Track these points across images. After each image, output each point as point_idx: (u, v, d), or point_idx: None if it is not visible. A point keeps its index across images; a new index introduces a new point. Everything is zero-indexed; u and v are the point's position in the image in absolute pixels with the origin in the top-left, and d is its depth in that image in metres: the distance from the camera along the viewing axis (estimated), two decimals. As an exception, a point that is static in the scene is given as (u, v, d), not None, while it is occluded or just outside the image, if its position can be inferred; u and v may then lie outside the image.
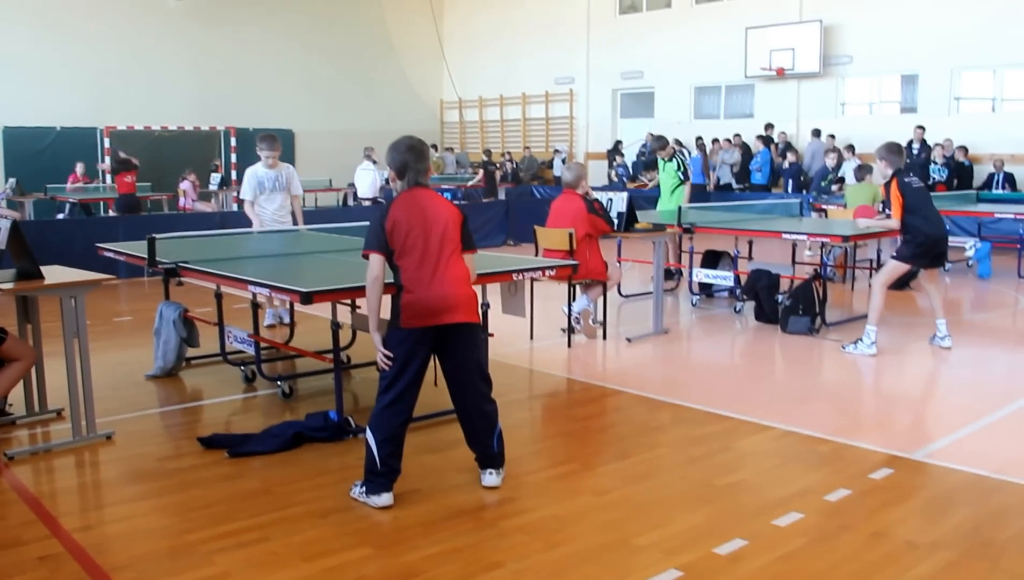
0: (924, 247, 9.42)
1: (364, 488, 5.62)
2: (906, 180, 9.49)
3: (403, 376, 5.57)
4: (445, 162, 30.74)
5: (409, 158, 5.68)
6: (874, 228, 10.24)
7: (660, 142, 14.78)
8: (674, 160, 14.29)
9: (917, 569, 4.67)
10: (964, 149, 20.94)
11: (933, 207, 9.61)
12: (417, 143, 5.78)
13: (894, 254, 9.81)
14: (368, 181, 22.01)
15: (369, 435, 5.58)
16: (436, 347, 5.68)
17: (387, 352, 5.56)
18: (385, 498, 5.55)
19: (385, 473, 5.57)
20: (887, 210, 9.69)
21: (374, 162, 22.44)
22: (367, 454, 5.56)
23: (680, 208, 11.84)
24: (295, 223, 10.81)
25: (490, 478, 5.88)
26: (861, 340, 9.47)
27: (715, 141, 25.44)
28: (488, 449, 5.88)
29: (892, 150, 9.64)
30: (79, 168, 24.06)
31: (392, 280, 5.68)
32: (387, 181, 24.89)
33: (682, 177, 14.21)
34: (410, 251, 5.56)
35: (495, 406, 5.90)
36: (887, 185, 9.52)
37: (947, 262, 9.98)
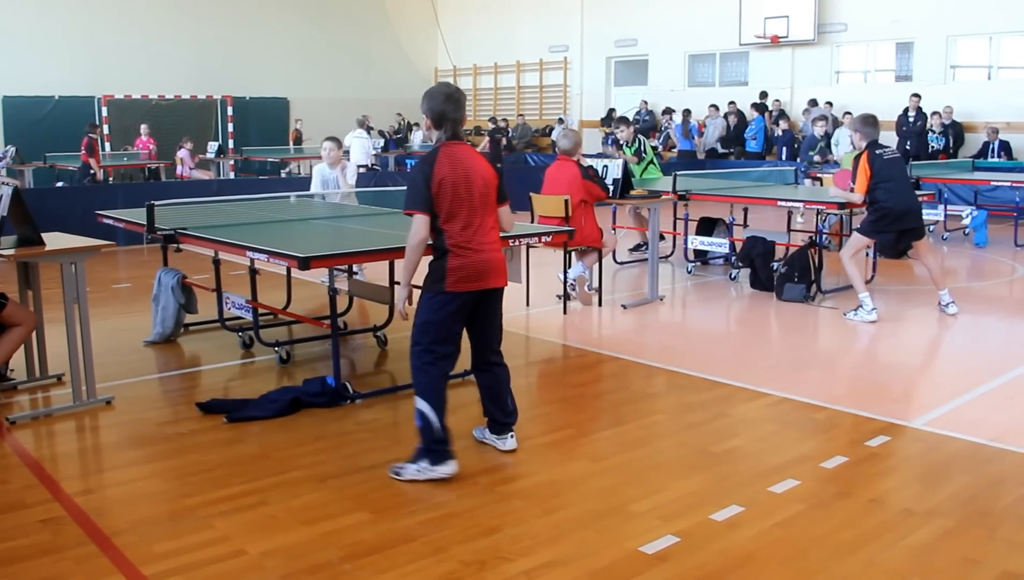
0: (885, 220, 9.46)
1: (427, 461, 5.44)
2: (878, 152, 9.49)
3: (448, 340, 5.51)
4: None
5: (448, 108, 5.45)
6: (839, 198, 10.24)
7: (622, 123, 14.75)
8: (634, 145, 14.27)
9: (914, 537, 4.70)
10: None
11: (904, 180, 9.65)
12: (454, 91, 5.56)
13: (857, 226, 9.89)
14: (361, 148, 22.04)
15: (422, 404, 5.43)
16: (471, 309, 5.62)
17: (404, 311, 5.61)
18: (452, 465, 5.45)
19: (446, 438, 5.46)
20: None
21: (368, 130, 22.46)
22: (423, 426, 5.42)
23: (675, 175, 11.85)
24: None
25: (511, 441, 5.93)
26: (861, 307, 9.52)
27: (712, 107, 25.35)
28: (506, 406, 5.91)
29: (867, 122, 9.67)
30: (144, 129, 23.89)
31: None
32: (383, 148, 24.97)
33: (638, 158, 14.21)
34: (457, 213, 5.40)
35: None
36: (857, 157, 9.58)
37: (927, 229, 10.02)
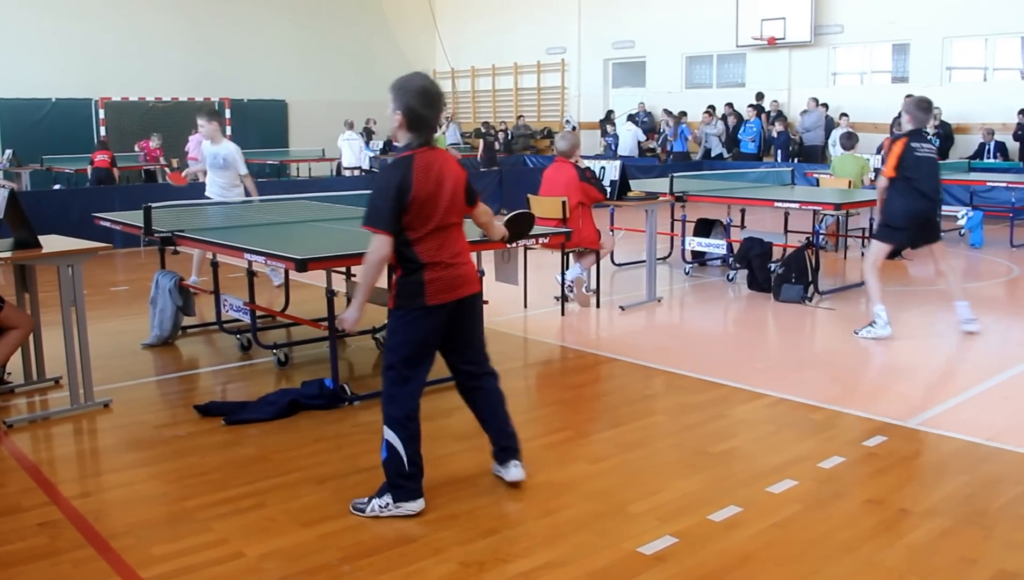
0: (896, 224, 8.99)
1: (391, 497, 5.03)
2: (913, 144, 8.85)
3: (424, 361, 5.12)
4: (447, 134, 30.46)
5: (429, 113, 4.91)
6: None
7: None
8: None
9: (911, 536, 4.71)
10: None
11: (929, 182, 8.96)
12: (434, 90, 5.00)
13: (872, 234, 9.63)
14: (355, 150, 22.19)
15: (391, 435, 5.00)
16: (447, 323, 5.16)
17: (348, 324, 5.07)
18: (420, 503, 5.05)
19: (415, 474, 5.05)
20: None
21: (368, 132, 22.54)
22: (388, 458, 5.02)
23: (672, 177, 11.85)
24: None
25: (516, 471, 5.41)
26: (874, 323, 9.07)
27: (710, 108, 25.33)
28: (505, 427, 5.43)
29: (921, 107, 9.04)
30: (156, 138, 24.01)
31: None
32: (382, 150, 24.98)
33: None
34: (426, 223, 4.91)
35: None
36: (893, 141, 9.07)
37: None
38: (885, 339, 8.98)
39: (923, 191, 8.91)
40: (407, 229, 4.89)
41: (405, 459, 4.98)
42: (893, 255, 12.01)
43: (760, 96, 24.68)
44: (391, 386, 5.07)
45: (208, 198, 10.69)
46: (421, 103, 4.89)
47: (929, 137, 9.16)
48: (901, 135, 9.05)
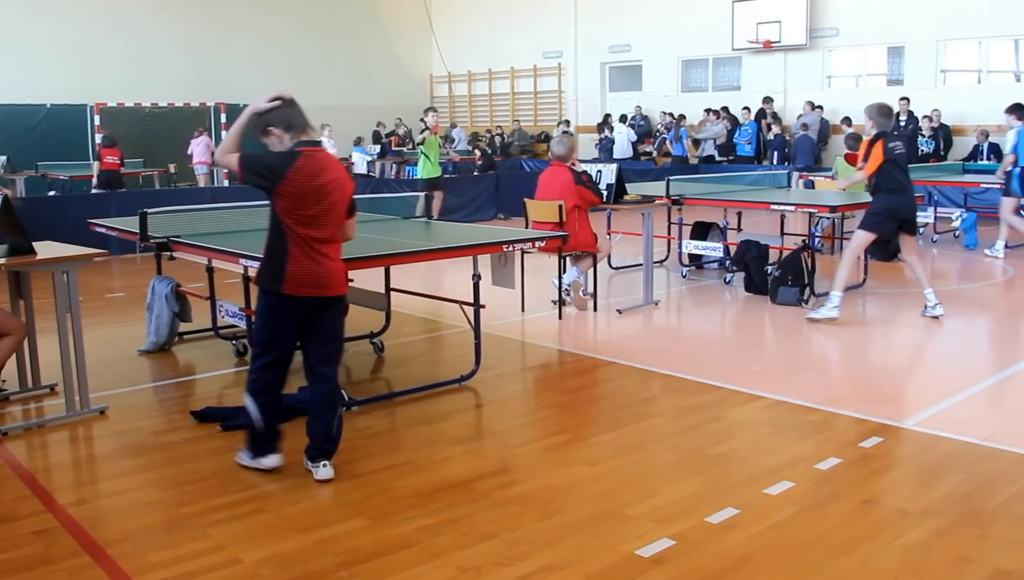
0: (884, 215, 9.39)
1: (250, 451, 5.68)
2: (891, 144, 9.33)
3: (278, 345, 5.51)
4: (455, 138, 30.27)
5: (293, 113, 5.42)
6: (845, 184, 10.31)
7: (431, 111, 17.69)
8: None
9: (908, 536, 4.71)
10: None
11: (907, 177, 9.52)
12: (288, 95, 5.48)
13: (860, 225, 9.81)
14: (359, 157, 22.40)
15: (248, 401, 5.53)
16: (307, 317, 5.52)
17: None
18: (274, 458, 5.64)
19: (268, 436, 5.61)
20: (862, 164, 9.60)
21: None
22: (247, 420, 5.59)
23: (668, 180, 11.86)
24: None
25: (324, 471, 5.56)
26: (826, 304, 9.53)
27: (708, 111, 25.35)
28: (328, 433, 5.60)
29: (883, 112, 9.51)
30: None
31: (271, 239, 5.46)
32: (380, 154, 24.99)
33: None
34: (308, 220, 5.33)
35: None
36: (871, 142, 9.39)
37: (919, 229, 9.94)
38: (830, 321, 9.46)
39: (905, 185, 9.44)
40: (293, 218, 5.31)
41: (257, 423, 5.55)
42: (890, 257, 12.02)
43: (768, 100, 24.62)
44: (253, 359, 5.67)
45: None
46: (288, 103, 5.44)
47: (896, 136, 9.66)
48: (877, 137, 9.39)
